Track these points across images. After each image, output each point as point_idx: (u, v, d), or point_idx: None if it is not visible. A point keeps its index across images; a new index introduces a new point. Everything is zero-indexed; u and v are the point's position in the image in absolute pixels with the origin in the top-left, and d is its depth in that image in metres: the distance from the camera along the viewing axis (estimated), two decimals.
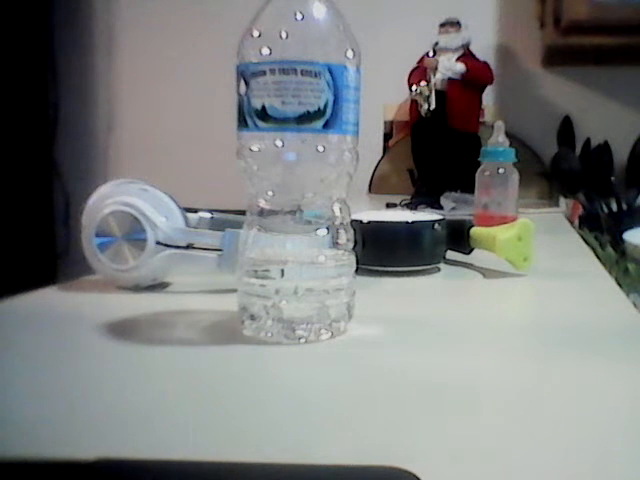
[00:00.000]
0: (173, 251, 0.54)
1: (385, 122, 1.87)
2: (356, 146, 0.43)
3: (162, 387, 0.35)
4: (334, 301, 0.43)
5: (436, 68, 1.40)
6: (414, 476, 0.24)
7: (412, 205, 1.32)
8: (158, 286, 0.57)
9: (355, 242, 0.44)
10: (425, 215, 0.70)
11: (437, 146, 1.42)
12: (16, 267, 1.86)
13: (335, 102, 0.41)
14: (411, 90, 1.39)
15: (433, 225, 0.67)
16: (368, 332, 0.45)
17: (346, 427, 0.30)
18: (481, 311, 0.54)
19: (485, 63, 1.48)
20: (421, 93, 1.36)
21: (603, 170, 1.62)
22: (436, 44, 1.43)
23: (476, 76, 1.43)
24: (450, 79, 1.40)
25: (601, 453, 0.28)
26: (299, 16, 0.40)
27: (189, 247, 0.55)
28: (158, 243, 0.54)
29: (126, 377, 0.37)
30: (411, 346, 0.43)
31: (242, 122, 0.42)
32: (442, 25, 1.46)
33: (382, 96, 1.76)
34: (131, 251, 0.54)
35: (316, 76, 0.40)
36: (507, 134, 1.01)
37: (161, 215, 0.54)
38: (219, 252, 0.54)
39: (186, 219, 0.57)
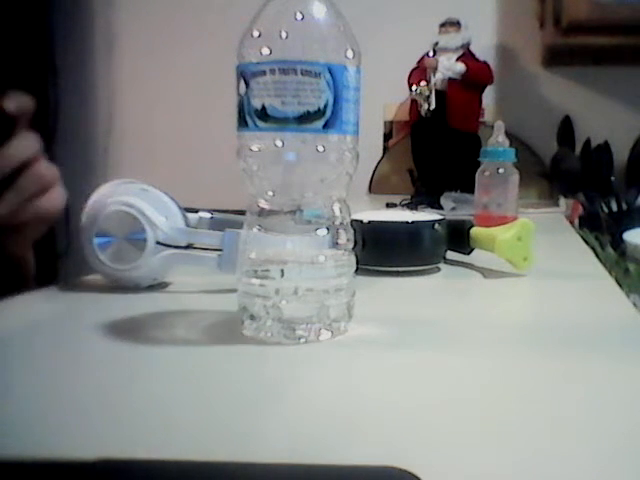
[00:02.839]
0: (173, 251, 0.54)
1: (385, 122, 1.87)
2: (356, 146, 0.43)
3: (162, 387, 0.35)
4: (334, 301, 0.43)
5: (436, 68, 1.40)
6: (414, 476, 0.24)
7: (412, 205, 1.32)
8: (158, 286, 0.57)
9: (355, 242, 0.44)
10: (425, 215, 0.70)
11: (437, 146, 1.42)
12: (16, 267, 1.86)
13: (335, 102, 0.41)
14: (411, 90, 1.39)
15: (433, 225, 0.67)
16: (368, 332, 0.45)
17: (346, 427, 0.30)
18: (481, 311, 0.54)
19: (485, 63, 1.48)
20: (421, 93, 1.36)
21: (603, 170, 1.61)
22: (436, 44, 1.43)
23: (476, 76, 1.43)
24: (450, 79, 1.40)
25: (602, 453, 0.28)
26: (299, 16, 0.40)
27: (189, 247, 0.55)
28: (158, 243, 0.54)
29: (126, 377, 0.37)
30: (411, 346, 0.43)
31: (242, 122, 0.42)
32: (442, 25, 1.45)
33: (382, 96, 1.76)
34: (131, 251, 0.54)
35: (316, 76, 0.40)
36: (507, 134, 1.01)
37: (161, 215, 0.54)
38: (219, 252, 0.54)
39: (186, 219, 0.57)
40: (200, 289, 0.57)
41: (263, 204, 0.43)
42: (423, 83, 1.37)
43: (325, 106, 0.40)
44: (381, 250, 0.65)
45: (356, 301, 0.45)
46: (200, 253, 0.55)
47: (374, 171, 1.83)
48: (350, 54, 0.41)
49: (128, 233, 0.53)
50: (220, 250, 0.54)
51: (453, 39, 1.43)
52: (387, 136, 1.87)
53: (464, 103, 1.41)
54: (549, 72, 1.80)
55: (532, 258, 0.65)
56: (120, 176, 0.58)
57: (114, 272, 0.55)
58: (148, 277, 0.56)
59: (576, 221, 1.37)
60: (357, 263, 0.45)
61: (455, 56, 1.42)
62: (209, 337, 0.44)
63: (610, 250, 1.03)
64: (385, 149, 1.86)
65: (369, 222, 0.65)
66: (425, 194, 1.37)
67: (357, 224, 0.46)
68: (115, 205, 0.54)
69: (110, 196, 0.55)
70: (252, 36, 0.41)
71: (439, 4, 1.67)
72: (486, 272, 0.67)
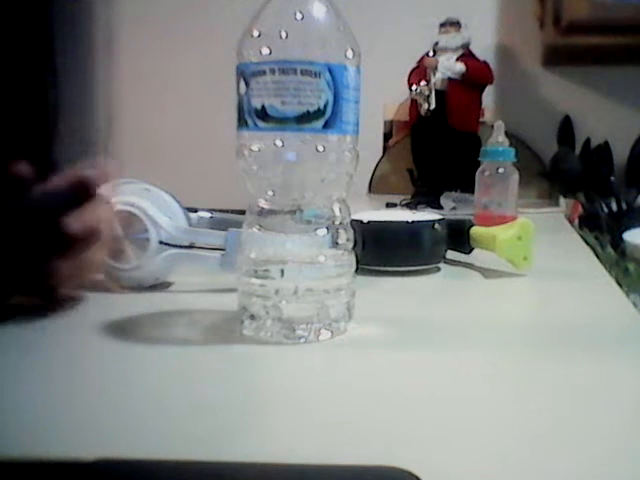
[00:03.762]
0: (176, 251, 0.54)
1: (385, 122, 1.87)
2: (356, 146, 0.43)
3: (162, 387, 0.35)
4: (334, 301, 0.43)
5: (436, 68, 1.39)
6: (414, 476, 0.24)
7: (412, 205, 1.32)
8: (160, 286, 0.57)
9: (355, 242, 0.44)
10: (425, 215, 0.70)
11: (437, 146, 1.42)
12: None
13: (335, 102, 0.41)
14: (411, 90, 1.39)
15: (433, 225, 0.67)
16: (368, 332, 0.45)
17: (346, 427, 0.30)
18: (481, 311, 0.54)
19: (485, 63, 1.48)
20: (421, 93, 1.36)
21: (603, 170, 1.61)
22: (436, 44, 1.43)
23: (476, 76, 1.43)
24: (450, 79, 1.40)
25: (601, 453, 0.28)
26: (299, 16, 0.40)
27: (192, 247, 0.55)
28: (161, 243, 0.54)
29: (126, 377, 0.37)
30: (411, 346, 0.43)
31: (242, 122, 0.42)
32: (442, 25, 1.45)
33: (382, 96, 1.76)
34: (134, 251, 0.54)
35: (316, 76, 0.40)
36: (507, 134, 1.01)
37: (164, 215, 0.54)
38: (222, 252, 0.54)
39: (189, 219, 0.57)
40: (202, 289, 0.57)
41: (263, 204, 0.43)
42: (423, 83, 1.37)
43: (325, 106, 0.40)
44: (381, 250, 0.65)
45: (356, 301, 0.45)
46: (203, 253, 0.55)
47: (374, 171, 1.83)
48: (350, 54, 0.41)
49: (131, 233, 0.53)
50: (223, 250, 0.54)
51: (453, 39, 1.43)
52: (387, 136, 1.87)
53: (464, 103, 1.41)
54: (549, 72, 1.80)
55: (532, 258, 0.65)
56: (120, 176, 0.58)
57: (116, 272, 0.55)
58: (151, 277, 0.56)
59: (576, 221, 1.37)
60: (357, 263, 0.45)
61: (455, 56, 1.42)
62: (209, 337, 0.44)
63: (610, 250, 1.03)
64: (385, 149, 1.86)
65: (369, 222, 0.65)
66: (425, 194, 1.37)
67: (357, 224, 0.46)
68: (118, 205, 0.54)
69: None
70: (252, 36, 0.41)
71: (439, 4, 1.66)
72: (486, 272, 0.67)
